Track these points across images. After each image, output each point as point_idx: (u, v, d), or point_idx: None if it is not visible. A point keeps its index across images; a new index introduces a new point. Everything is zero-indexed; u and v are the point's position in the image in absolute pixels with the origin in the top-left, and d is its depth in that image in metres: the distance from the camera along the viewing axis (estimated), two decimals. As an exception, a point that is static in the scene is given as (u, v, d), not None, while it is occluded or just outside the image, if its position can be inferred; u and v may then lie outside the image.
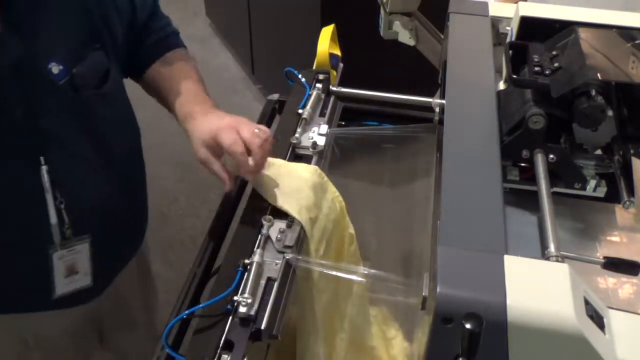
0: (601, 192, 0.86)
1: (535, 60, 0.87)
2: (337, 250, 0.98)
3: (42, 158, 0.91)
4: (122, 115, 1.09)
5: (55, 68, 0.89)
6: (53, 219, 0.95)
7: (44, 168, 0.91)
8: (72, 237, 0.99)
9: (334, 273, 0.87)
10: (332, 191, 0.96)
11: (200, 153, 0.93)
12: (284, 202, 0.89)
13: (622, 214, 0.89)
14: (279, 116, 1.17)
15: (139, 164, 1.17)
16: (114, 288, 1.15)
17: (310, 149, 1.03)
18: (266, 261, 0.83)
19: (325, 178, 0.96)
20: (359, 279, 0.91)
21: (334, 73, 1.20)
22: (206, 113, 0.98)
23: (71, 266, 1.01)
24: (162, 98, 1.09)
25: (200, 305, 0.80)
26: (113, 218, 1.06)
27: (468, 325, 0.60)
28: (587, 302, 0.63)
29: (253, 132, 0.90)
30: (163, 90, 1.08)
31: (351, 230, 1.01)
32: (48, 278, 1.00)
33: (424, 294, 0.78)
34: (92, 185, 1.00)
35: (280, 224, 0.89)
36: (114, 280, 1.15)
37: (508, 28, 1.06)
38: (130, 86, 1.14)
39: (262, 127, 0.94)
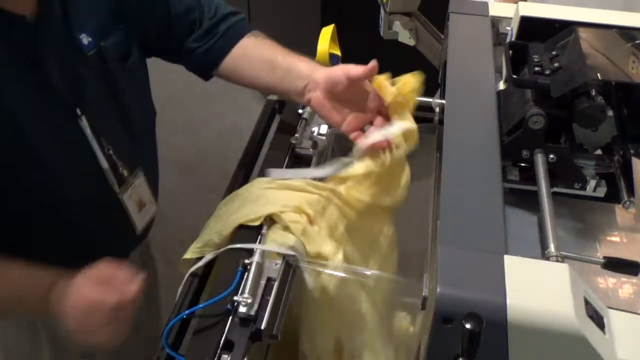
0: (601, 192, 0.86)
1: (535, 60, 0.87)
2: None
3: (78, 110, 0.97)
4: (143, 93, 1.14)
5: (85, 39, 0.96)
6: (104, 163, 1.01)
7: (84, 117, 0.97)
8: (129, 175, 1.07)
9: (334, 273, 0.86)
10: (329, 188, 0.95)
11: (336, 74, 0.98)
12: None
13: (622, 214, 0.89)
14: (279, 116, 1.17)
15: (154, 141, 1.22)
16: None
17: (310, 149, 1.03)
18: (266, 261, 0.83)
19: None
20: (359, 279, 0.91)
21: (334, 73, 1.20)
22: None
23: (139, 200, 1.12)
24: (273, 60, 1.08)
25: (200, 305, 0.80)
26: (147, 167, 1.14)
27: (468, 325, 0.60)
28: (587, 302, 0.63)
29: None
30: (275, 51, 1.09)
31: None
32: (127, 218, 1.10)
33: (424, 294, 0.78)
34: (124, 141, 1.06)
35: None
36: None
37: (508, 28, 1.06)
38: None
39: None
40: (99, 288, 0.85)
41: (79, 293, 0.86)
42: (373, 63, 0.96)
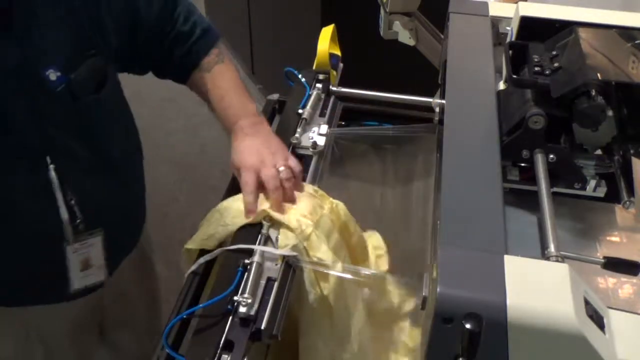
0: (601, 192, 0.86)
1: (535, 60, 0.87)
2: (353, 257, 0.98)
3: (48, 158, 0.94)
4: (121, 118, 1.11)
5: (52, 75, 0.91)
6: (64, 214, 0.98)
7: (52, 167, 0.94)
8: (84, 231, 1.02)
9: (334, 273, 0.86)
10: (329, 201, 0.96)
11: (233, 169, 0.99)
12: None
13: (622, 214, 0.89)
14: (279, 116, 1.17)
15: (139, 162, 1.20)
16: (115, 279, 1.16)
17: (310, 149, 1.03)
18: (266, 261, 0.83)
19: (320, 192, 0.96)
20: (359, 279, 0.91)
21: (334, 73, 1.20)
22: (243, 137, 1.01)
23: (86, 260, 1.05)
24: (209, 106, 1.11)
25: (200, 305, 0.80)
26: (119, 212, 1.10)
27: (468, 325, 0.60)
28: (587, 302, 0.63)
29: (273, 173, 0.92)
30: (207, 99, 1.11)
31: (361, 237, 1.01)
32: (64, 273, 1.03)
33: (424, 294, 0.78)
34: (96, 183, 1.03)
35: (280, 224, 0.88)
36: (116, 271, 1.16)
37: (508, 28, 1.06)
38: (131, 85, 1.14)
39: (292, 162, 0.96)
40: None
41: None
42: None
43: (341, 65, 1.24)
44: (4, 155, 0.92)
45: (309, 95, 1.11)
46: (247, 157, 0.97)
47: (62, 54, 0.92)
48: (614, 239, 0.86)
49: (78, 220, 1.00)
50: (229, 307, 0.77)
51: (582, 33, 0.86)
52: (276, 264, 0.83)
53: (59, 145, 0.95)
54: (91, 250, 1.04)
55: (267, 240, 0.87)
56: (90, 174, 1.02)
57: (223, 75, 1.11)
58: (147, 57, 1.10)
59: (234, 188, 0.99)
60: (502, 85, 0.98)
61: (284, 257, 0.84)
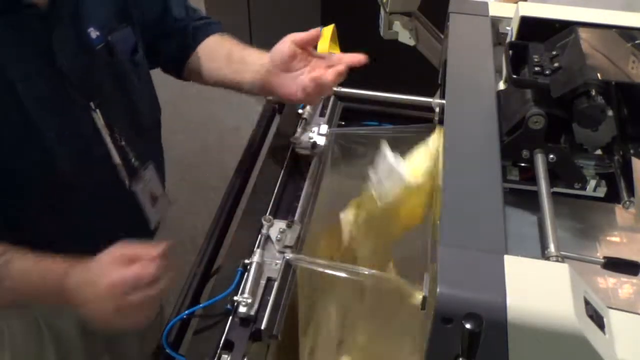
0: (601, 192, 0.86)
1: (535, 60, 0.86)
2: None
3: (92, 103, 0.98)
4: (149, 89, 1.15)
5: (93, 33, 0.98)
6: (116, 158, 1.02)
7: (98, 112, 0.98)
8: (140, 167, 1.07)
9: (334, 273, 0.87)
10: None
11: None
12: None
13: (622, 214, 0.88)
14: (279, 116, 1.17)
15: (159, 138, 1.23)
16: None
17: (310, 149, 1.03)
18: (266, 261, 0.83)
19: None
20: (359, 279, 0.91)
21: (334, 73, 1.20)
22: None
23: (151, 193, 1.11)
24: (231, 55, 1.13)
25: (200, 305, 0.80)
26: (155, 159, 1.14)
27: (468, 325, 0.60)
28: (587, 302, 0.63)
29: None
30: (235, 48, 1.14)
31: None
32: (141, 213, 1.09)
33: (424, 294, 0.78)
34: (133, 136, 1.06)
35: (280, 224, 0.89)
36: None
37: (508, 28, 1.06)
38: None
39: None
40: (127, 266, 0.79)
41: (105, 275, 0.80)
42: (317, 31, 1.01)
43: (341, 65, 1.24)
44: (56, 102, 0.94)
45: (309, 95, 1.11)
46: None
47: (103, 17, 1.00)
48: (614, 239, 0.86)
49: (132, 160, 1.05)
50: (229, 307, 0.78)
51: (582, 33, 0.86)
52: (276, 264, 0.83)
53: (103, 96, 0.99)
54: (151, 183, 1.10)
55: (267, 240, 0.87)
56: (128, 129, 1.05)
57: (226, 41, 1.16)
58: (160, 50, 1.15)
59: (234, 188, 0.99)
60: (502, 85, 0.98)
61: (284, 257, 0.84)
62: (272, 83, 1.03)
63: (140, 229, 1.12)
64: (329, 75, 0.96)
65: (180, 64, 1.18)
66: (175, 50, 1.16)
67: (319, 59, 1.02)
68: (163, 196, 1.14)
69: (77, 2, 0.96)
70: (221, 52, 1.14)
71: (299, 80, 1.00)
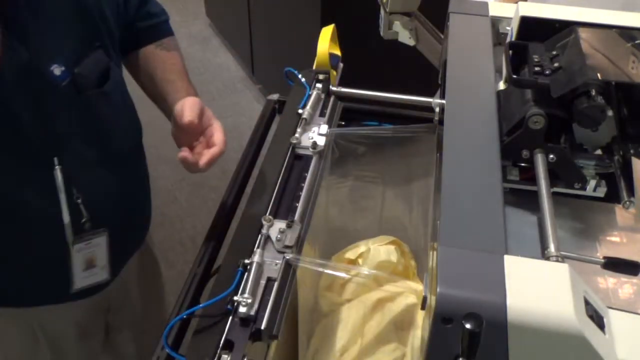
0: (601, 192, 0.86)
1: (535, 60, 0.86)
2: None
3: (55, 159, 0.93)
4: (125, 112, 1.11)
5: (57, 70, 0.91)
6: (66, 218, 0.97)
7: (58, 168, 0.93)
8: (90, 230, 1.02)
9: (334, 273, 0.87)
10: None
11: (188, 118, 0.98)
12: None
13: (622, 214, 0.88)
14: (279, 116, 1.17)
15: (142, 157, 1.20)
16: (121, 279, 1.16)
17: (310, 149, 1.03)
18: (266, 261, 0.83)
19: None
20: (359, 279, 0.91)
21: (334, 73, 1.20)
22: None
23: (90, 259, 1.04)
24: (153, 78, 1.11)
25: (200, 305, 0.80)
26: (124, 210, 1.09)
27: (468, 325, 0.60)
28: (587, 302, 0.63)
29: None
30: (158, 71, 1.11)
31: None
32: (67, 272, 1.03)
33: (424, 294, 0.78)
34: (102, 180, 1.03)
35: (280, 224, 0.89)
36: (121, 271, 1.16)
37: (508, 28, 1.06)
38: (130, 85, 1.14)
39: None
40: None
41: None
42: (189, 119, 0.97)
43: (341, 65, 1.24)
44: (12, 156, 0.92)
45: (309, 95, 1.11)
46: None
47: (68, 48, 0.92)
48: (614, 239, 0.86)
49: (84, 220, 1.00)
50: (229, 307, 0.78)
51: (582, 33, 0.86)
52: (276, 264, 0.83)
53: (66, 143, 0.95)
54: (96, 250, 1.04)
55: (267, 240, 0.87)
56: (97, 171, 1.02)
57: (180, 64, 1.14)
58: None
59: (234, 188, 0.99)
60: (502, 85, 0.98)
61: (284, 257, 0.84)
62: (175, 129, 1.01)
63: (59, 284, 1.05)
64: (201, 161, 0.96)
65: (139, 42, 1.14)
66: (132, 37, 1.13)
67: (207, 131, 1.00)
68: (103, 268, 1.08)
69: (35, 41, 0.88)
70: (147, 70, 1.12)
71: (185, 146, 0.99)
